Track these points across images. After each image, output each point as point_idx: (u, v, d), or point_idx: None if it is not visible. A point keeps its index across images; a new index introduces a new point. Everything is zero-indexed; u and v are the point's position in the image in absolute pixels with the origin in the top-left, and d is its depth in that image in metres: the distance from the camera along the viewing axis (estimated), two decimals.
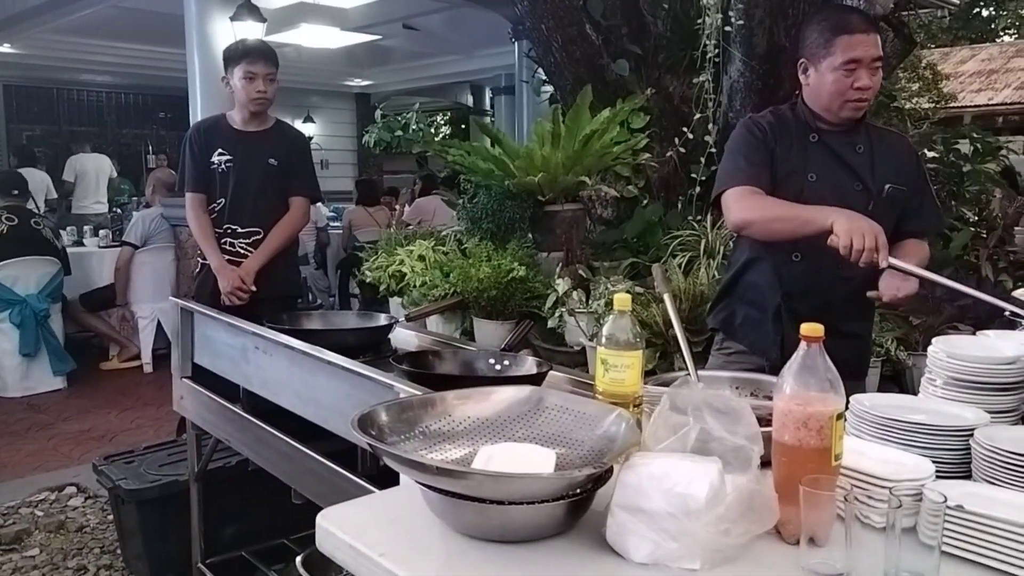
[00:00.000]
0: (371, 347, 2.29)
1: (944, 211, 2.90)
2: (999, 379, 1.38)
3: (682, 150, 3.64)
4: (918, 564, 0.94)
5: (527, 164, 3.30)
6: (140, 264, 5.97)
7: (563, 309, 2.97)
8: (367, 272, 3.67)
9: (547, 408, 1.29)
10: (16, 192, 5.77)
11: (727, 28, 3.49)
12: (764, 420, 1.16)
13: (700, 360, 2.21)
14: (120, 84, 12.56)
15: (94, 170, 9.50)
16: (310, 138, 11.61)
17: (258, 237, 3.23)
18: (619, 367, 1.31)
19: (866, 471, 1.13)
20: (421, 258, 3.50)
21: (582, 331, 2.89)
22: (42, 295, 5.47)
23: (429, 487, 1.09)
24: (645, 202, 3.64)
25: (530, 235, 3.43)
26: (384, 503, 1.26)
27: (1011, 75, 11.06)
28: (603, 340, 1.34)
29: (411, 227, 4.77)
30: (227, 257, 3.21)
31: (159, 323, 5.94)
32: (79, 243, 6.72)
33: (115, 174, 9.97)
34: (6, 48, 9.92)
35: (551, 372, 1.87)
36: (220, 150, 3.23)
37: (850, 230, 1.80)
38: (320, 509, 1.19)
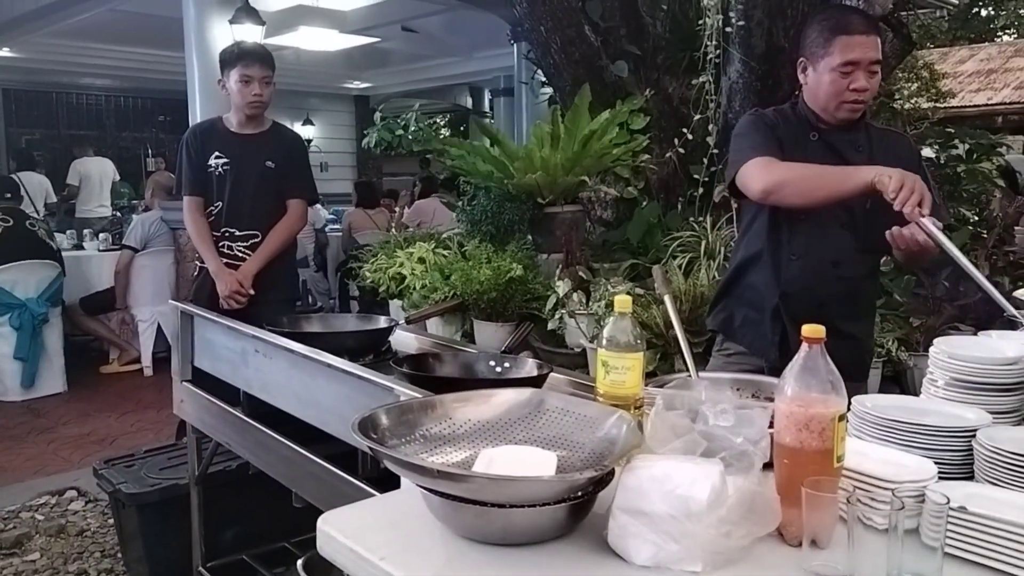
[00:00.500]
0: (371, 350, 2.28)
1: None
2: (1001, 380, 1.37)
3: (682, 151, 3.64)
4: (921, 566, 0.94)
5: (526, 165, 3.30)
6: (140, 267, 5.96)
7: (563, 311, 2.96)
8: (367, 274, 3.67)
9: (548, 410, 1.28)
10: (9, 195, 5.78)
11: (726, 29, 3.49)
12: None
13: (701, 361, 2.21)
14: (119, 88, 12.56)
15: (98, 174, 9.50)
16: (309, 141, 11.62)
17: (256, 240, 3.23)
18: (620, 369, 1.31)
19: (868, 472, 1.13)
20: (421, 260, 3.50)
21: (582, 333, 2.89)
22: (41, 299, 5.47)
23: (430, 490, 1.09)
24: (645, 203, 3.64)
25: (530, 237, 3.43)
26: (385, 506, 1.26)
27: (1010, 75, 11.06)
28: (604, 342, 1.33)
29: (411, 229, 4.77)
30: (225, 260, 3.21)
31: (159, 326, 5.94)
32: (79, 247, 6.72)
33: (117, 177, 9.97)
34: (5, 52, 9.92)
35: (551, 374, 1.87)
36: (217, 153, 3.23)
37: (901, 177, 1.79)
38: (321, 512, 1.19)
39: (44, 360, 5.55)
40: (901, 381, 3.11)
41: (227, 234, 3.23)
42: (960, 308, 3.26)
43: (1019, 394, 1.38)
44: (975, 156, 4.60)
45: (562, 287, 3.00)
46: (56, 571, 3.13)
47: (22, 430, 4.85)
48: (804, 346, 1.10)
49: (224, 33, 6.37)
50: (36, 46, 9.62)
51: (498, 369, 1.94)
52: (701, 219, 3.29)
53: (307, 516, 1.58)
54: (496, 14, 7.13)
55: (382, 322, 2.49)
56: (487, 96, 13.62)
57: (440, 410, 1.27)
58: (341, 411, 1.80)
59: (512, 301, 3.08)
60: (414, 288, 3.37)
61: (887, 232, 1.91)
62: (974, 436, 1.23)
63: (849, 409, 1.24)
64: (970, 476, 1.23)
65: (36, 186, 8.27)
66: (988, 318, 3.04)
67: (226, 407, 2.39)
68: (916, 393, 1.55)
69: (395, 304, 3.52)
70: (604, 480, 1.11)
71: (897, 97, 4.89)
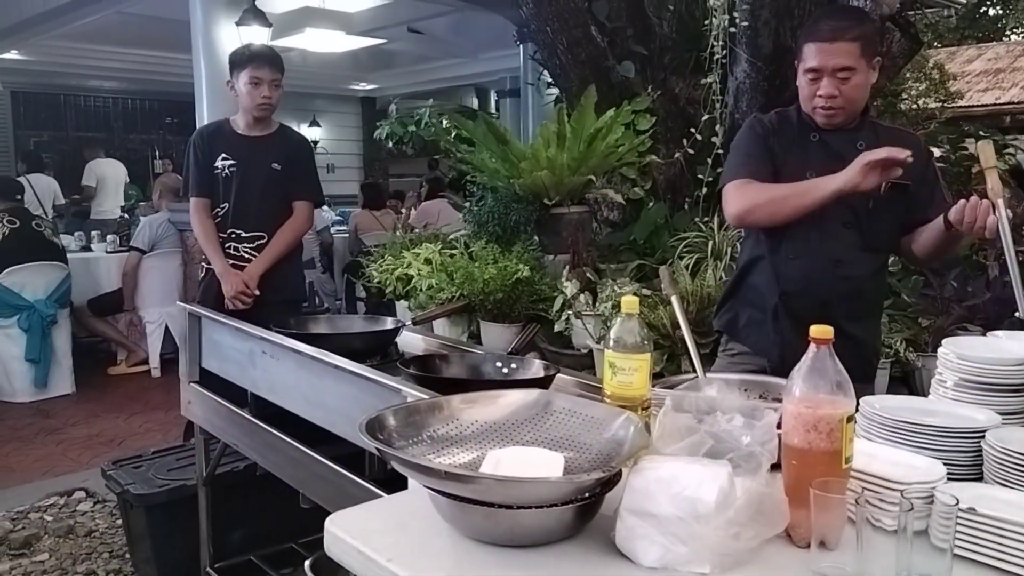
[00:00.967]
0: (378, 351, 2.28)
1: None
2: (1010, 380, 1.37)
3: (689, 151, 3.64)
4: (930, 567, 0.94)
5: (532, 165, 3.30)
6: (147, 269, 5.98)
7: (570, 312, 2.96)
8: (373, 275, 3.67)
9: (555, 411, 1.28)
10: (19, 196, 5.81)
11: (733, 29, 3.49)
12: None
13: (707, 362, 2.21)
14: (127, 90, 12.60)
15: (112, 176, 9.53)
16: (315, 142, 11.64)
17: (262, 241, 3.23)
18: (627, 370, 1.31)
19: (877, 474, 1.13)
20: (427, 261, 3.50)
21: (589, 334, 2.89)
22: (50, 300, 5.49)
23: (437, 491, 1.09)
24: (651, 204, 3.63)
25: (536, 238, 3.42)
26: (392, 507, 1.26)
27: (1018, 74, 11.01)
28: (611, 343, 1.33)
29: (417, 230, 4.77)
30: (231, 262, 3.22)
31: (167, 328, 5.96)
32: (87, 248, 6.74)
33: (128, 179, 10.00)
34: (13, 54, 9.96)
35: (558, 375, 1.87)
36: (224, 155, 3.23)
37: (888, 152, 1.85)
38: (328, 513, 1.19)
39: (53, 361, 5.57)
40: (909, 382, 3.10)
41: (233, 235, 3.24)
42: (968, 309, 3.25)
43: None
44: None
45: (569, 288, 2.99)
46: (65, 572, 3.14)
47: (31, 431, 4.87)
48: (812, 347, 1.10)
49: (231, 35, 6.39)
50: (44, 48, 9.66)
51: (505, 370, 1.94)
52: (708, 220, 3.29)
53: (314, 517, 1.58)
54: (502, 15, 7.13)
55: (389, 323, 2.49)
56: (493, 97, 13.62)
57: (447, 411, 1.27)
58: (348, 412, 1.80)
59: (519, 302, 3.08)
60: (420, 289, 3.37)
61: (952, 209, 1.89)
62: (983, 437, 1.23)
63: (857, 410, 1.24)
64: (979, 477, 1.22)
65: (45, 188, 8.31)
66: (997, 319, 3.03)
67: (234, 408, 2.39)
68: (925, 394, 1.55)
69: (401, 305, 3.52)
70: (611, 481, 1.10)
71: (904, 97, 4.88)
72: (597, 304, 2.95)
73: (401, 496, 1.30)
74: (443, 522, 1.12)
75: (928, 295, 3.34)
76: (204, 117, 6.31)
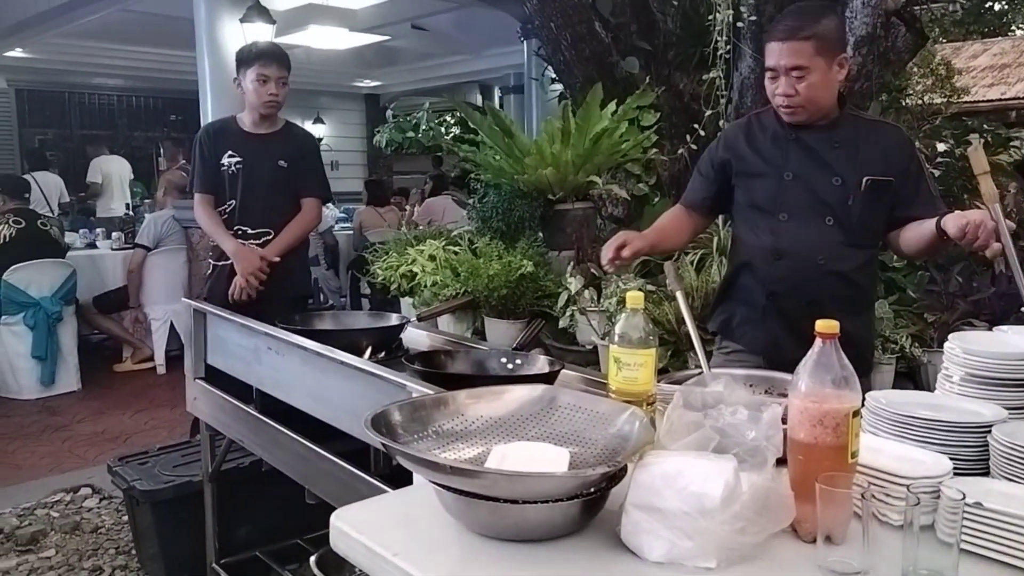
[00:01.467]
0: (383, 347, 2.29)
1: (955, 206, 2.89)
2: (1016, 375, 1.36)
3: (693, 147, 3.63)
4: (936, 562, 0.93)
5: (537, 161, 3.29)
6: (152, 266, 5.99)
7: (574, 308, 2.96)
8: (378, 271, 3.68)
9: (560, 407, 1.28)
10: (26, 195, 5.84)
11: (737, 24, 3.48)
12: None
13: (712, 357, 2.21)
14: (131, 87, 12.62)
15: (117, 173, 9.55)
16: (320, 139, 11.64)
17: (268, 238, 3.23)
18: (632, 365, 1.31)
19: (883, 468, 1.12)
20: (432, 258, 3.50)
21: (594, 330, 2.89)
22: (55, 298, 5.51)
23: (443, 486, 1.09)
24: (656, 200, 3.63)
25: (540, 234, 3.42)
26: (398, 503, 1.26)
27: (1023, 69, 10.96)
28: (616, 338, 1.33)
29: (421, 227, 4.77)
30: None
31: (172, 325, 5.96)
32: (92, 245, 6.75)
33: (132, 176, 10.01)
34: (17, 52, 9.98)
35: (563, 371, 1.87)
36: (230, 152, 3.23)
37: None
38: (333, 509, 1.19)
39: (59, 359, 5.58)
40: (915, 377, 3.09)
41: (240, 232, 3.24)
42: (974, 304, 3.24)
43: None
44: (991, 150, 4.56)
45: (573, 284, 2.99)
46: (71, 567, 3.15)
47: (37, 428, 4.89)
48: (818, 341, 1.09)
49: (235, 32, 6.39)
50: (48, 46, 9.68)
51: (510, 366, 1.94)
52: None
53: (320, 513, 1.58)
54: (506, 11, 7.11)
55: (394, 319, 2.49)
56: (497, 94, 13.61)
57: (452, 406, 1.27)
58: (354, 408, 1.81)
59: (523, 298, 3.08)
60: (425, 285, 3.37)
61: (943, 218, 1.87)
62: (989, 432, 1.23)
63: (863, 405, 1.24)
64: (986, 472, 1.22)
65: (51, 186, 8.31)
66: (1003, 313, 3.02)
67: (239, 404, 2.40)
68: (930, 389, 1.54)
69: (406, 302, 3.52)
70: (617, 476, 1.11)
71: (909, 92, 4.85)
72: (601, 300, 2.95)
73: (407, 491, 1.30)
74: (449, 517, 1.12)
75: (933, 291, 3.33)
76: (208, 114, 6.32)
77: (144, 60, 10.43)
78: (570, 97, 3.99)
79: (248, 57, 3.21)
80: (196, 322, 2.65)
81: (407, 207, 8.41)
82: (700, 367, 1.63)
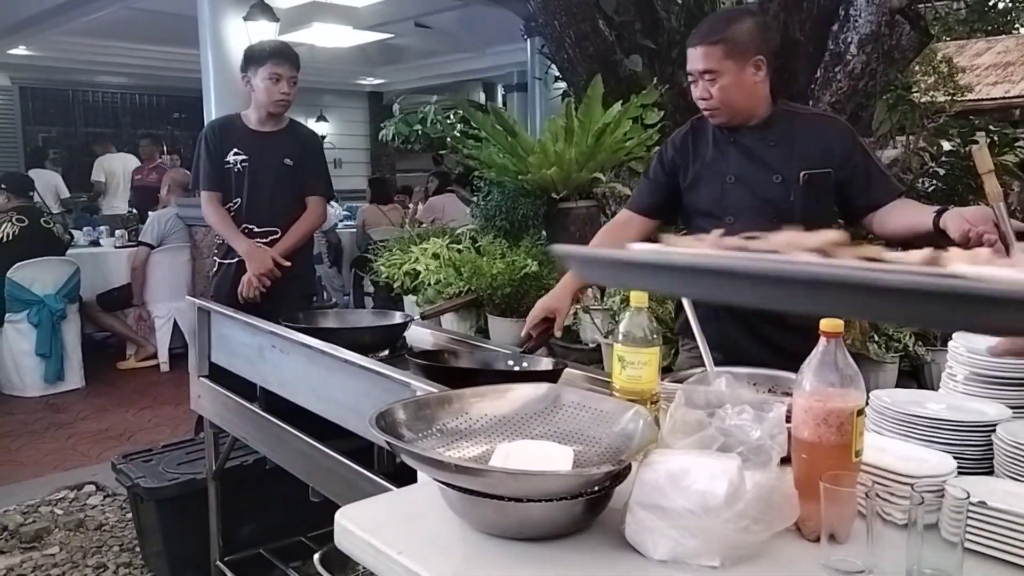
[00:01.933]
0: (386, 345, 2.29)
1: (960, 205, 2.88)
2: (1021, 374, 1.36)
3: None
4: (940, 561, 0.93)
5: (540, 160, 3.29)
6: (156, 264, 6.01)
7: (578, 306, 2.96)
8: (381, 269, 3.68)
9: (564, 405, 1.28)
10: (31, 193, 5.86)
11: None
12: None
13: None
14: (135, 85, 12.64)
15: (121, 170, 9.54)
16: (323, 137, 11.63)
17: (275, 236, 3.24)
18: (636, 364, 1.31)
19: (887, 467, 1.12)
20: (435, 256, 3.50)
21: (597, 328, 2.89)
22: (59, 295, 5.52)
23: (447, 485, 1.09)
24: None
25: (544, 232, 3.42)
26: (402, 501, 1.26)
27: None
28: (620, 337, 1.33)
29: (424, 225, 4.77)
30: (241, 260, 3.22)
31: (175, 322, 5.98)
32: (95, 243, 6.77)
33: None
34: (21, 50, 10.00)
35: (567, 370, 1.87)
36: (236, 150, 3.24)
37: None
38: (337, 507, 1.19)
39: (63, 356, 5.60)
40: (919, 376, 3.09)
41: (246, 231, 3.24)
42: None
43: None
44: (996, 149, 4.54)
45: None
46: (75, 565, 3.16)
47: (41, 425, 4.90)
48: (822, 340, 1.09)
49: (239, 30, 6.40)
50: (52, 44, 9.69)
51: (513, 365, 1.94)
52: None
53: (324, 511, 1.59)
54: (509, 9, 7.12)
55: (397, 318, 2.49)
56: (500, 92, 13.61)
57: (457, 405, 1.28)
58: (358, 406, 1.81)
59: (526, 296, 3.08)
60: (428, 284, 3.37)
61: (946, 213, 1.84)
62: (994, 431, 1.22)
63: (868, 403, 1.24)
64: (990, 471, 1.22)
65: (46, 184, 8.32)
66: None
67: (243, 402, 2.40)
68: (934, 388, 1.54)
69: (409, 300, 3.52)
70: (621, 475, 1.11)
71: (915, 90, 4.84)
72: (605, 299, 2.95)
73: (411, 489, 1.30)
74: (453, 515, 1.13)
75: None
76: (212, 112, 6.33)
77: (148, 58, 10.44)
78: (574, 95, 3.98)
79: (260, 56, 3.20)
80: (200, 320, 2.66)
81: (410, 205, 8.40)
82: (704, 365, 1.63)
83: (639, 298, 1.34)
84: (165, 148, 9.66)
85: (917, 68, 4.92)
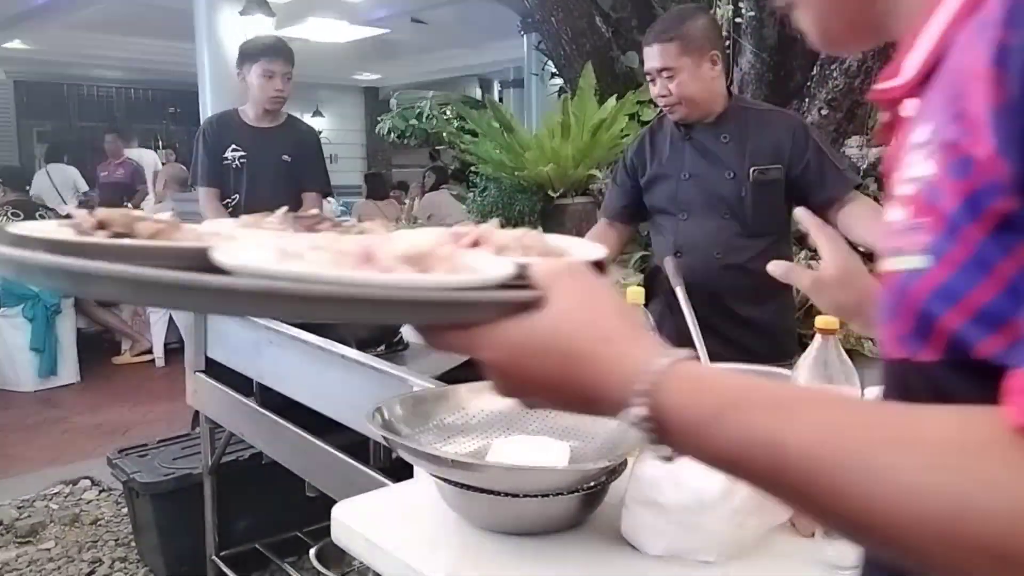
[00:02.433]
0: (384, 340, 2.29)
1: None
2: None
3: None
4: None
5: (537, 156, 3.30)
6: None
7: None
8: None
9: None
10: (26, 188, 5.85)
11: (737, 20, 3.48)
12: None
13: None
14: (130, 79, 12.61)
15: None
16: (319, 132, 11.60)
17: None
18: None
19: None
20: None
21: None
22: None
23: (444, 480, 1.10)
24: None
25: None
26: (398, 496, 1.27)
27: None
28: None
29: (420, 221, 4.77)
30: None
31: (170, 317, 5.96)
32: None
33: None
34: (16, 44, 9.96)
35: None
36: (234, 146, 3.23)
37: None
38: (333, 502, 1.20)
39: (57, 351, 5.59)
40: None
41: None
42: None
43: None
44: None
45: None
46: (70, 559, 3.15)
47: (36, 420, 4.89)
48: (818, 337, 1.10)
49: (234, 24, 6.38)
50: (47, 38, 9.65)
51: None
52: None
53: (320, 506, 1.59)
54: (506, 5, 7.10)
55: None
56: (496, 88, 13.60)
57: (454, 400, 1.28)
58: (354, 401, 1.81)
59: None
60: None
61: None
62: None
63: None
64: None
65: (66, 178, 8.27)
66: None
67: (239, 397, 2.40)
68: None
69: None
70: (617, 470, 1.11)
71: None
72: None
73: (407, 485, 1.31)
74: (449, 510, 1.13)
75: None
76: (207, 106, 6.31)
77: (143, 52, 10.40)
78: (570, 91, 3.98)
79: (254, 52, 3.20)
80: (197, 314, 2.65)
81: (407, 201, 8.40)
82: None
83: (635, 295, 1.34)
84: (136, 143, 9.45)
85: None
